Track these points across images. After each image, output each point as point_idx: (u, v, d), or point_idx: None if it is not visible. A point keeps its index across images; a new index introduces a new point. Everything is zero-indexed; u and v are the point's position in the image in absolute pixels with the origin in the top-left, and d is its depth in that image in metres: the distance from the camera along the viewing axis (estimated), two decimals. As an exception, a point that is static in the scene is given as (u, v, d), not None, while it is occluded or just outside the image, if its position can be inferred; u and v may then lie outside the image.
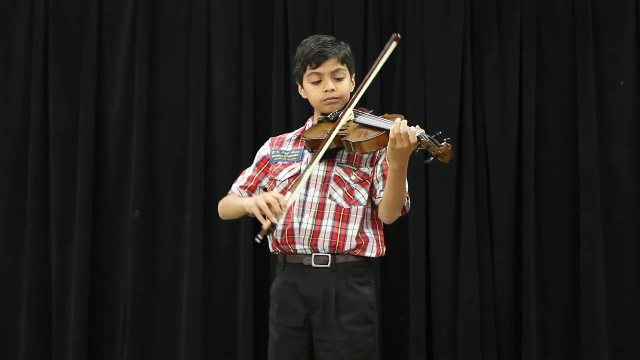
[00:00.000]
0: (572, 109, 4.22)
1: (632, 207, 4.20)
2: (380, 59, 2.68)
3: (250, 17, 4.33)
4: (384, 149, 2.59)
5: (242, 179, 2.90)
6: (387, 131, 2.52)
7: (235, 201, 2.84)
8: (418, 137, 2.45)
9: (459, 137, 4.20)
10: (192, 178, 4.24)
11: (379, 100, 4.22)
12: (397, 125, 2.48)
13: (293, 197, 2.62)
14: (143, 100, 4.31)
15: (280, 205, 2.54)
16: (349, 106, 2.69)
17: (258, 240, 2.55)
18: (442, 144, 2.46)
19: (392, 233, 4.19)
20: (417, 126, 2.50)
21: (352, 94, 2.76)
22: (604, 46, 4.24)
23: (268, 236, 2.68)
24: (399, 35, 2.69)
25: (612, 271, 4.16)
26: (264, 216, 2.57)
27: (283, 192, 2.71)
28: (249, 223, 4.08)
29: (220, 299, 4.26)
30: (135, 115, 4.30)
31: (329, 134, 2.63)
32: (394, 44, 2.67)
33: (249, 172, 2.90)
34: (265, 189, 2.82)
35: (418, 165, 4.11)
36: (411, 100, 4.23)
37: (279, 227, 2.73)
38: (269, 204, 2.54)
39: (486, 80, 4.26)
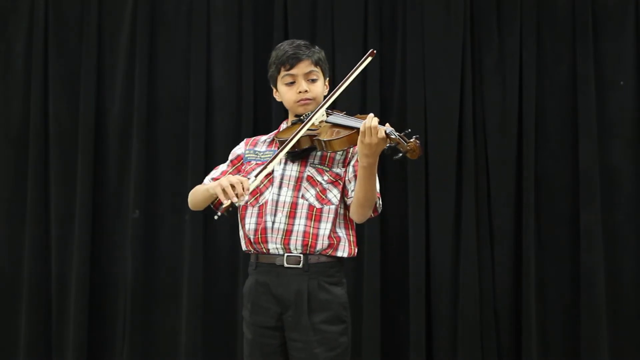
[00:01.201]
0: (572, 109, 4.22)
1: (632, 207, 4.19)
2: (355, 71, 2.72)
3: (250, 17, 4.33)
4: (356, 148, 2.61)
5: (214, 173, 2.93)
6: (358, 129, 2.55)
7: (202, 187, 2.85)
8: (387, 134, 2.48)
9: (459, 137, 4.21)
10: (192, 178, 4.24)
11: (379, 100, 4.22)
12: (368, 120, 2.52)
13: (255, 183, 2.66)
14: (143, 100, 4.31)
15: (243, 188, 2.57)
16: (322, 106, 2.72)
17: (216, 217, 2.65)
18: (411, 140, 2.48)
19: (392, 233, 4.20)
20: (387, 124, 2.53)
21: (325, 96, 2.79)
22: (604, 46, 4.24)
23: (226, 214, 2.68)
24: (375, 51, 2.76)
25: (612, 271, 4.16)
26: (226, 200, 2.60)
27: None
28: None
29: (220, 299, 4.27)
30: (135, 115, 4.30)
31: (299, 130, 2.67)
32: (369, 59, 2.73)
33: (222, 167, 2.94)
34: None
35: (417, 165, 4.12)
36: (411, 100, 4.23)
37: (252, 226, 2.77)
38: (232, 185, 2.57)
39: (486, 80, 4.26)
